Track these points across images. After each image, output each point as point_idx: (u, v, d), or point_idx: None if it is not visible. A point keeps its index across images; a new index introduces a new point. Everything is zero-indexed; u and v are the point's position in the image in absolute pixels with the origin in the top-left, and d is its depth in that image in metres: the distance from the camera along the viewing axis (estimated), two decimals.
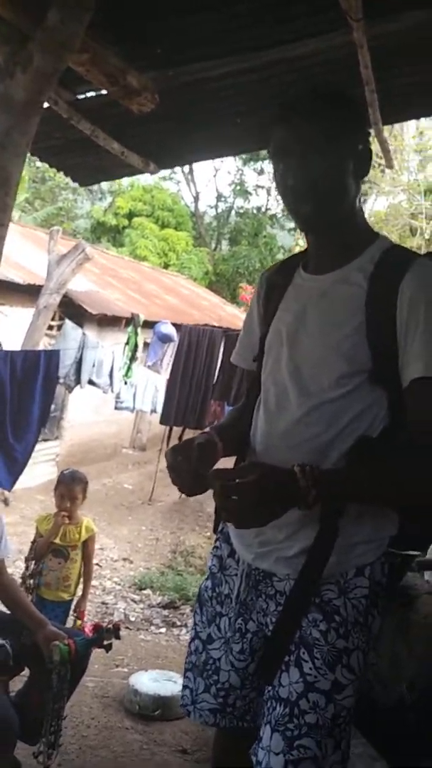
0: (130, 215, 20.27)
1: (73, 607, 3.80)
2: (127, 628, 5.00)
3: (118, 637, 2.48)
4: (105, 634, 2.43)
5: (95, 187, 25.11)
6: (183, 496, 6.27)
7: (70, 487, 3.69)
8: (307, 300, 1.42)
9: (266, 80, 2.92)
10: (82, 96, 3.13)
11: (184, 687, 1.58)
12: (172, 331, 7.28)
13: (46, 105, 2.84)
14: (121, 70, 2.58)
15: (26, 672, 2.47)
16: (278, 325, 1.46)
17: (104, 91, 2.98)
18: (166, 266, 19.55)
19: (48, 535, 3.58)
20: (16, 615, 2.41)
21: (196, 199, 25.79)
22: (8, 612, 2.47)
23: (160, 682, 3.37)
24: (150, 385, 7.45)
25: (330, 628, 1.31)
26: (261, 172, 24.87)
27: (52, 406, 5.76)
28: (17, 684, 2.52)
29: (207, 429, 1.54)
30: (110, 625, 2.48)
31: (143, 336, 7.61)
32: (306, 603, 1.33)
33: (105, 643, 2.44)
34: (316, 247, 1.45)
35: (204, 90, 3.08)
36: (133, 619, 5.32)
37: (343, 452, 1.31)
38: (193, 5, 2.39)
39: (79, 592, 3.81)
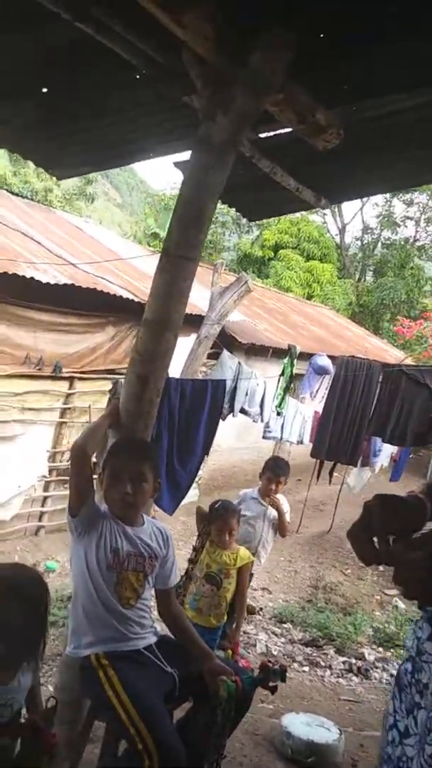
0: (276, 247, 20.52)
1: (222, 635, 3.80)
2: (269, 661, 4.92)
3: (283, 680, 2.43)
4: (271, 676, 2.38)
5: (242, 220, 25.83)
6: (329, 531, 6.11)
7: (226, 519, 3.72)
8: None
9: None
10: (263, 135, 3.21)
11: None
12: (328, 363, 7.21)
13: None
14: (310, 107, 2.60)
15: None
16: None
17: (287, 129, 3.04)
18: (309, 297, 19.52)
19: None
20: (183, 644, 2.43)
21: (342, 230, 25.62)
22: (174, 638, 2.49)
23: (313, 727, 3.25)
24: (298, 416, 7.40)
25: None
26: (410, 203, 24.26)
27: None
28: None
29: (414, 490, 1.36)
30: (277, 666, 2.42)
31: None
32: None
33: (270, 684, 2.39)
34: None
35: (385, 125, 3.04)
36: (275, 653, 5.22)
37: None
38: (379, 40, 2.37)
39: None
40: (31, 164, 4.70)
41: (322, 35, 2.37)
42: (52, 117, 2.99)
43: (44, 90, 2.71)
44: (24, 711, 1.93)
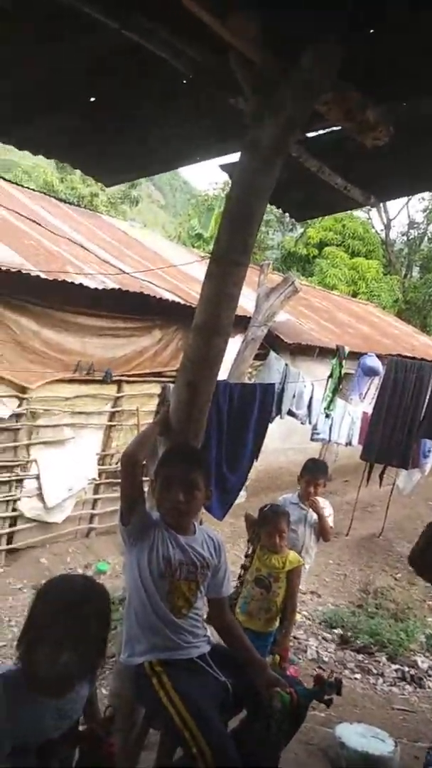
0: (321, 245, 20.34)
1: (273, 641, 3.76)
2: (320, 668, 4.85)
3: (339, 693, 2.38)
4: (327, 689, 2.33)
5: (286, 218, 25.67)
6: (380, 535, 5.87)
7: (275, 522, 3.71)
8: None
9: None
10: (310, 134, 3.16)
11: None
12: (378, 364, 7.06)
13: None
14: (360, 105, 2.53)
15: None
16: None
17: (335, 128, 2.98)
18: (354, 294, 19.27)
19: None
20: (236, 654, 2.40)
21: (387, 226, 25.19)
22: (226, 647, 2.46)
23: (368, 738, 3.19)
24: (347, 417, 7.29)
25: None
26: None
27: None
28: None
29: None
30: (332, 678, 2.38)
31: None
32: None
33: (326, 697, 2.35)
34: None
35: None
36: (326, 659, 5.15)
37: None
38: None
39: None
40: (77, 171, 4.79)
41: (372, 31, 2.31)
42: (100, 126, 3.00)
43: (92, 99, 2.73)
44: (81, 719, 1.94)
